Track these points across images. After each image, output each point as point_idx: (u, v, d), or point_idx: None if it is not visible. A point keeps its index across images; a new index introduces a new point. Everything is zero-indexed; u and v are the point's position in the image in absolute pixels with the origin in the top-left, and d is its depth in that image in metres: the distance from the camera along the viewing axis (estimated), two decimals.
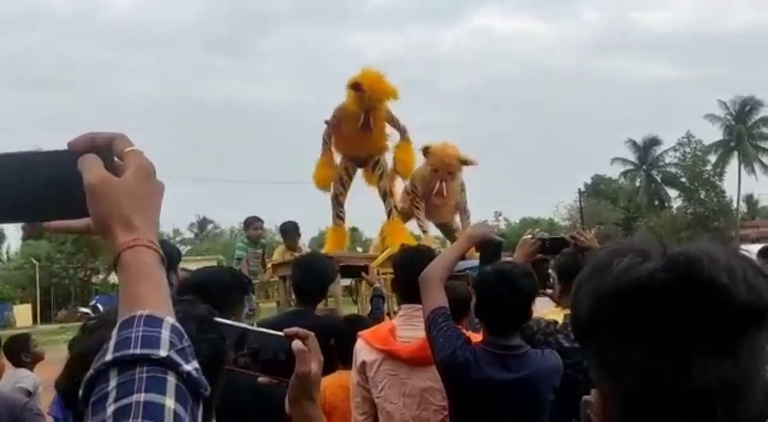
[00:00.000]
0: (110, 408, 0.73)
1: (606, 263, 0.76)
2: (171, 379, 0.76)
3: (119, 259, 0.85)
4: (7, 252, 57.56)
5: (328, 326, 3.87)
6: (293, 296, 4.83)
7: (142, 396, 0.73)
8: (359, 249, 10.29)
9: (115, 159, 0.90)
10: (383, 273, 5.39)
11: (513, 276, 2.60)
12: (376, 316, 4.30)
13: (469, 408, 2.66)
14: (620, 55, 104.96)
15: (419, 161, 6.70)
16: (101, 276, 42.80)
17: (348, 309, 5.92)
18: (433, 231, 7.35)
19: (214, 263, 9.76)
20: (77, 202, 0.89)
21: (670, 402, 0.72)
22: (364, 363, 3.05)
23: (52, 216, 0.95)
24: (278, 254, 7.14)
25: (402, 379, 2.95)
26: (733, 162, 51.49)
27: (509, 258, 3.20)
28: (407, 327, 2.99)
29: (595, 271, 0.77)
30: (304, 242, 9.69)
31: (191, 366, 0.78)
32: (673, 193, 54.44)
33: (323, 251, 6.63)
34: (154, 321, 0.79)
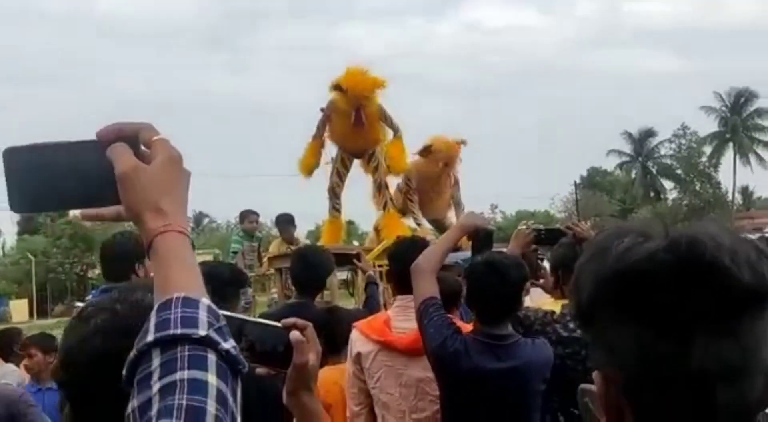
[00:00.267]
0: (155, 386, 0.76)
1: (606, 245, 0.76)
2: (211, 357, 0.79)
3: (152, 245, 0.88)
4: (3, 248, 57.52)
5: (331, 317, 3.94)
6: (290, 288, 4.85)
7: (185, 374, 0.76)
8: (355, 242, 10.28)
9: (142, 148, 0.93)
10: (379, 265, 5.38)
11: (503, 266, 2.61)
12: (371, 304, 4.30)
13: (460, 397, 2.67)
14: (615, 47, 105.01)
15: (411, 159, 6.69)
16: (97, 271, 42.74)
17: (344, 301, 5.91)
18: (428, 224, 7.34)
19: (210, 257, 9.77)
20: (108, 191, 0.92)
21: (671, 385, 0.72)
22: (359, 354, 3.05)
23: (84, 204, 0.97)
24: (275, 247, 7.12)
25: (398, 370, 2.95)
26: (729, 153, 51.70)
27: (503, 250, 3.20)
28: (402, 318, 2.99)
29: (595, 254, 0.77)
30: (301, 235, 9.68)
31: (229, 345, 0.81)
32: (668, 184, 54.65)
33: (319, 244, 6.62)
34: (190, 303, 0.83)
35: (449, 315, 2.86)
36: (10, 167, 0.94)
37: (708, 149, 52.25)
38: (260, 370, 1.36)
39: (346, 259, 5.24)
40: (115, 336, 1.03)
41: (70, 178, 0.94)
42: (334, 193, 6.71)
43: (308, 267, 3.92)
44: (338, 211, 6.74)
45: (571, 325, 2.88)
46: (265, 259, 7.01)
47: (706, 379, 0.70)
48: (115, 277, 3.35)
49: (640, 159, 55.49)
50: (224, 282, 2.68)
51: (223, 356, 0.81)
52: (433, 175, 6.52)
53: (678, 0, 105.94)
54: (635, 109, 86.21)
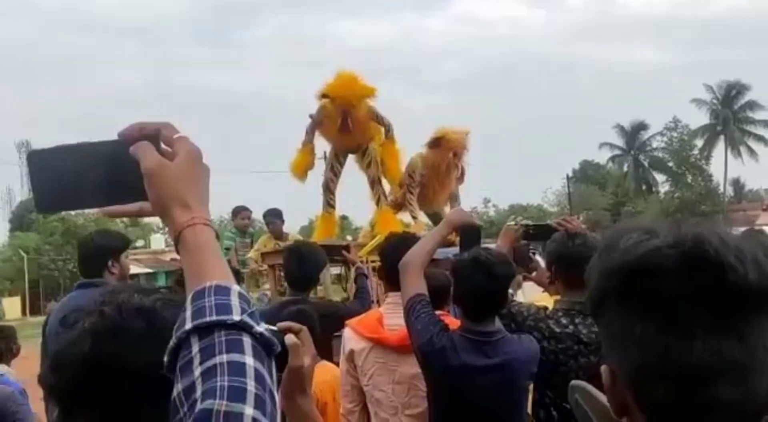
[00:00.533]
0: (197, 371, 0.80)
1: (613, 242, 0.77)
2: (247, 340, 0.84)
3: (180, 237, 0.93)
4: None
5: (327, 312, 3.90)
6: (284, 284, 4.84)
7: (224, 357, 0.80)
8: (349, 238, 10.25)
9: (162, 145, 0.97)
10: (372, 261, 5.37)
11: (489, 262, 2.61)
12: (362, 295, 4.30)
13: (447, 393, 2.68)
14: (607, 40, 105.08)
15: (410, 149, 6.66)
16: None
17: (338, 296, 5.90)
18: (424, 219, 7.30)
19: None
20: (130, 187, 0.96)
21: (672, 378, 0.72)
22: (352, 351, 3.06)
23: (108, 202, 1.00)
24: (262, 242, 7.08)
25: (390, 367, 2.96)
26: (720, 146, 51.88)
27: (492, 245, 3.20)
28: (395, 315, 2.99)
29: (604, 249, 0.78)
30: (294, 230, 9.63)
31: (262, 327, 0.86)
32: (660, 177, 54.79)
33: (312, 239, 6.60)
34: (222, 290, 0.87)
35: (440, 312, 2.86)
36: (35, 169, 0.98)
37: (699, 142, 52.43)
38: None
39: (334, 251, 5.25)
40: (104, 338, 1.03)
41: (94, 176, 0.98)
42: (328, 188, 6.69)
43: (301, 264, 3.94)
44: (332, 206, 6.71)
45: (564, 321, 2.88)
46: (251, 255, 6.97)
47: (708, 374, 0.71)
48: (88, 274, 3.39)
49: (632, 152, 55.61)
50: None
51: (258, 338, 0.85)
52: (442, 166, 6.48)
53: None
54: (627, 102, 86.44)
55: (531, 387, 3.09)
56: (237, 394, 0.78)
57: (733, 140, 51.20)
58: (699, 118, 53.09)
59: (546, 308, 3.00)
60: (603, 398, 1.61)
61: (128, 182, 0.96)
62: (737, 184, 58.51)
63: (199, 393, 0.78)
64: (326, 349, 3.66)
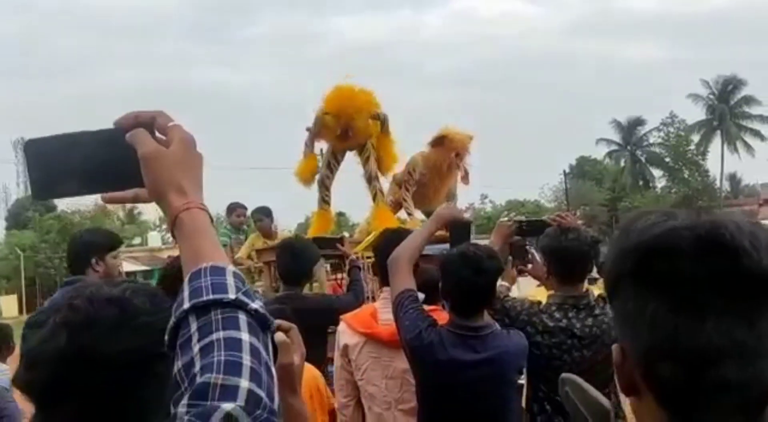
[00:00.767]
0: (196, 347, 0.83)
1: (630, 225, 0.78)
2: (242, 317, 0.87)
3: (176, 221, 0.96)
4: None
5: (322, 305, 3.99)
6: (279, 281, 4.83)
7: (221, 334, 0.84)
8: (346, 234, 10.25)
9: (157, 133, 1.00)
10: (367, 258, 5.37)
11: (477, 258, 2.62)
12: (356, 287, 4.31)
13: (436, 388, 2.69)
14: (603, 35, 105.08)
15: (407, 146, 6.64)
16: None
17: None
18: (420, 216, 7.28)
19: None
20: (126, 174, 0.99)
21: (681, 357, 0.73)
22: (346, 346, 3.06)
23: (104, 189, 1.03)
24: (251, 242, 7.04)
25: (384, 362, 2.96)
26: (716, 141, 51.91)
27: (486, 242, 3.21)
28: (389, 310, 2.99)
29: (622, 231, 0.79)
30: (291, 226, 9.61)
31: (257, 304, 0.89)
32: (657, 172, 54.85)
33: (307, 235, 6.59)
34: (218, 271, 0.90)
35: (434, 307, 2.87)
36: (32, 157, 1.00)
37: (696, 137, 52.48)
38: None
39: (328, 244, 5.25)
40: (79, 330, 1.04)
41: (90, 164, 1.00)
42: (324, 185, 6.67)
43: (293, 259, 3.98)
44: (327, 202, 6.68)
45: (557, 315, 2.89)
46: (240, 254, 6.95)
47: (716, 355, 0.71)
48: (74, 270, 3.39)
49: (629, 147, 55.63)
50: None
51: (253, 315, 0.88)
52: (444, 166, 6.46)
53: None
54: (624, 98, 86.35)
55: (525, 382, 3.10)
56: (233, 368, 0.81)
57: (729, 135, 51.24)
58: (695, 114, 53.22)
59: (539, 303, 3.01)
60: (593, 391, 1.61)
61: (124, 169, 0.99)
62: (734, 179, 58.64)
63: (198, 368, 0.82)
64: (322, 344, 3.67)
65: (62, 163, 1.00)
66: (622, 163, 55.35)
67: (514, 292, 3.91)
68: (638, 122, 55.64)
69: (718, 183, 52.18)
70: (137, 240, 44.99)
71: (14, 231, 47.03)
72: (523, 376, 3.12)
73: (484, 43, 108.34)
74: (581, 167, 54.99)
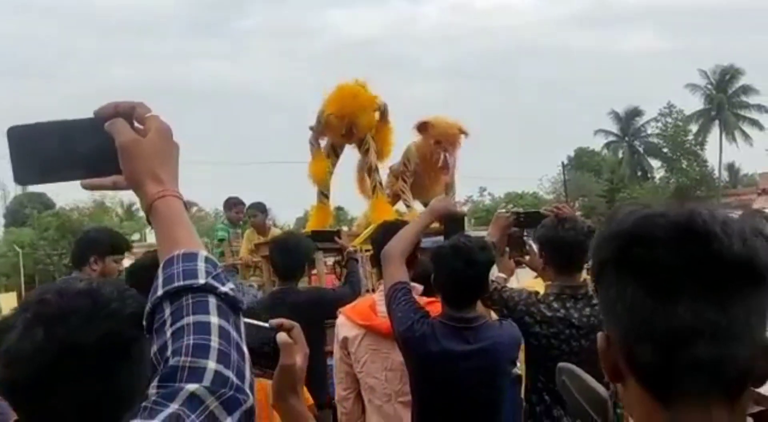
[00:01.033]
0: (168, 332, 0.88)
1: (615, 213, 0.82)
2: (212, 300, 0.91)
3: (152, 208, 1.00)
4: None
5: (318, 298, 4.07)
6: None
7: (191, 318, 0.89)
8: (344, 228, 10.25)
9: (135, 123, 1.04)
10: (366, 251, 5.38)
11: (469, 249, 2.63)
12: (353, 278, 4.36)
13: (429, 379, 2.70)
14: (600, 26, 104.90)
15: (404, 138, 6.61)
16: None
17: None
18: (419, 207, 7.25)
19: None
20: (105, 162, 1.02)
21: (657, 339, 0.76)
22: (345, 338, 3.07)
23: (84, 175, 1.06)
24: (247, 237, 7.05)
25: (383, 354, 2.97)
26: (715, 131, 51.85)
27: (484, 233, 3.21)
28: None
29: (606, 221, 0.83)
30: (290, 220, 9.60)
31: (227, 287, 0.93)
32: (655, 163, 54.78)
33: (306, 229, 6.59)
34: (190, 257, 0.95)
35: (432, 298, 2.87)
36: (14, 144, 1.03)
37: (694, 127, 52.40)
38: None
39: (326, 237, 5.28)
40: (54, 322, 1.05)
41: (71, 151, 1.03)
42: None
43: (287, 255, 4.05)
44: (326, 196, 6.69)
45: (555, 305, 2.90)
46: (242, 252, 6.96)
47: (689, 335, 0.75)
48: (74, 265, 3.42)
49: (627, 138, 55.59)
50: None
51: (223, 298, 0.92)
52: (428, 156, 6.40)
53: None
54: (622, 89, 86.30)
55: (522, 373, 3.11)
56: (201, 351, 0.86)
57: (727, 125, 51.20)
58: (693, 104, 53.10)
59: (537, 293, 3.01)
60: (590, 379, 1.62)
61: (104, 157, 1.02)
62: (732, 169, 58.56)
63: (170, 351, 0.87)
64: (319, 337, 3.69)
65: (44, 149, 1.03)
66: (620, 154, 55.31)
67: (513, 283, 3.92)
68: (636, 113, 55.58)
69: (716, 173, 52.15)
70: (136, 237, 44.90)
71: (13, 229, 46.98)
72: (520, 366, 3.13)
73: (480, 35, 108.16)
74: (579, 158, 54.94)
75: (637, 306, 0.77)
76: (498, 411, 2.73)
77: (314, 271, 5.70)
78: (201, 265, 0.94)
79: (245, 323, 1.34)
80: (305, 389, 3.68)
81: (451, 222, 3.12)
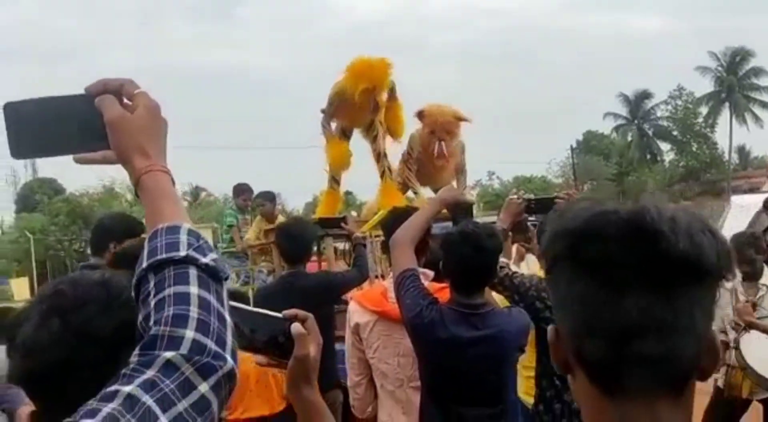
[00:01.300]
0: (152, 303, 0.92)
1: (567, 209, 0.83)
2: (192, 272, 0.95)
3: (139, 183, 1.03)
4: (1, 226, 57.33)
5: (326, 282, 4.17)
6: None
7: (172, 290, 0.92)
8: (354, 213, 10.23)
9: (125, 100, 1.06)
10: (375, 236, 5.39)
11: (477, 236, 2.63)
12: (360, 263, 4.41)
13: (437, 365, 2.72)
14: (609, 8, 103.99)
15: (411, 123, 6.56)
16: None
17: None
18: (426, 193, 7.22)
19: (209, 231, 9.74)
20: (96, 137, 1.05)
21: (604, 333, 0.77)
22: (357, 324, 3.09)
23: (76, 150, 1.08)
24: (256, 225, 7.09)
25: (396, 339, 2.99)
26: (725, 113, 51.44)
27: (493, 218, 3.23)
28: None
29: (557, 216, 0.84)
30: (299, 207, 9.63)
31: (208, 259, 0.97)
32: (665, 146, 54.45)
33: (315, 215, 6.59)
34: (173, 230, 0.98)
35: (443, 284, 2.88)
36: (9, 119, 1.06)
37: (704, 110, 52.01)
38: (261, 360, 1.35)
39: (333, 224, 5.32)
40: (69, 312, 1.06)
41: (63, 126, 1.07)
42: None
43: (291, 241, 4.18)
44: (337, 182, 6.67)
45: None
46: (249, 235, 6.98)
47: (635, 330, 0.76)
48: (94, 253, 3.46)
49: (636, 121, 55.22)
50: None
51: (204, 269, 0.96)
52: (426, 145, 6.37)
53: None
54: (631, 71, 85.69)
55: (533, 358, 3.12)
56: (179, 320, 0.90)
57: (738, 107, 50.76)
58: (703, 86, 52.66)
59: None
60: None
61: (94, 132, 1.05)
62: (742, 152, 58.11)
63: (152, 321, 0.91)
64: (327, 321, 3.73)
65: (38, 125, 1.07)
66: (630, 137, 54.95)
67: (523, 269, 3.93)
68: (645, 95, 55.17)
69: (726, 155, 51.81)
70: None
71: (24, 214, 47.22)
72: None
73: (488, 17, 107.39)
74: (588, 142, 54.65)
75: (588, 301, 0.78)
76: (504, 397, 2.75)
77: (324, 256, 5.73)
78: (183, 238, 0.97)
79: (259, 313, 1.36)
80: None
81: (459, 210, 3.14)
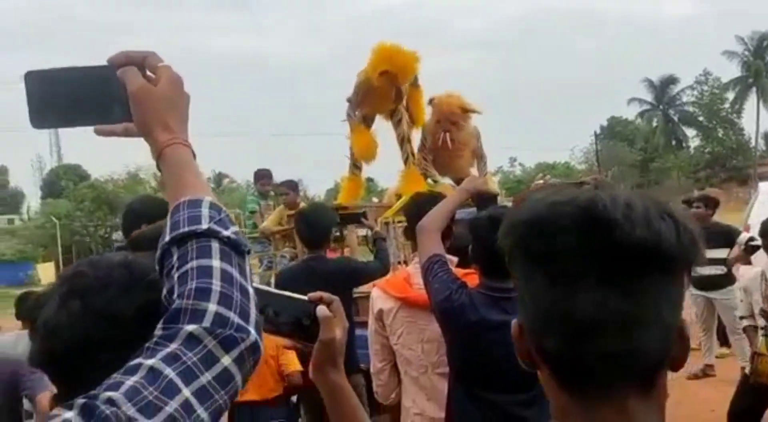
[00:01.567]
0: (175, 276, 0.93)
1: (524, 199, 0.81)
2: (215, 245, 0.95)
3: (161, 156, 1.02)
4: (28, 212, 58.21)
5: (348, 268, 4.24)
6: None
7: (194, 263, 0.93)
8: (375, 199, 10.22)
9: (147, 72, 1.05)
10: (398, 222, 5.37)
11: None
12: (382, 256, 4.48)
13: (467, 349, 2.69)
14: None
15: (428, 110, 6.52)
16: (121, 233, 43.28)
17: (366, 257, 5.91)
18: (446, 181, 7.18)
19: (231, 217, 9.82)
20: (118, 109, 1.04)
21: (560, 329, 0.74)
22: (381, 311, 3.08)
23: (97, 121, 1.07)
24: (278, 213, 7.12)
25: (420, 326, 2.97)
26: (752, 98, 50.76)
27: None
28: None
29: (514, 206, 0.81)
30: (320, 193, 9.67)
31: (230, 231, 0.97)
32: (690, 132, 53.93)
33: (337, 201, 6.59)
34: (195, 203, 0.98)
35: (469, 270, 2.86)
36: (31, 88, 1.05)
37: (731, 95, 51.41)
38: (286, 343, 1.34)
39: (352, 218, 5.37)
40: (90, 294, 1.05)
41: (85, 97, 1.05)
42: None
43: (309, 227, 4.26)
44: (358, 168, 6.66)
45: None
46: (266, 224, 7.01)
47: (592, 326, 0.72)
48: (126, 235, 3.48)
49: (661, 107, 54.65)
50: None
51: (225, 242, 0.96)
52: (433, 133, 6.33)
53: None
54: (656, 56, 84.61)
55: None
56: (202, 294, 0.90)
57: (765, 92, 49.99)
58: (730, 71, 51.97)
59: None
60: None
61: (116, 104, 1.04)
62: None
63: (176, 295, 0.91)
64: (348, 305, 3.75)
65: (59, 95, 1.05)
66: (655, 123, 54.44)
67: None
68: (671, 80, 54.57)
69: (753, 141, 51.11)
70: None
71: (49, 200, 47.91)
72: None
73: (512, 2, 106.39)
74: (612, 128, 54.19)
75: (540, 296, 0.75)
76: (534, 382, 2.72)
77: (346, 244, 5.74)
78: (205, 211, 0.97)
79: (283, 295, 1.34)
80: (294, 354, 3.81)
81: (484, 200, 3.14)
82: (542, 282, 0.74)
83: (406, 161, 6.40)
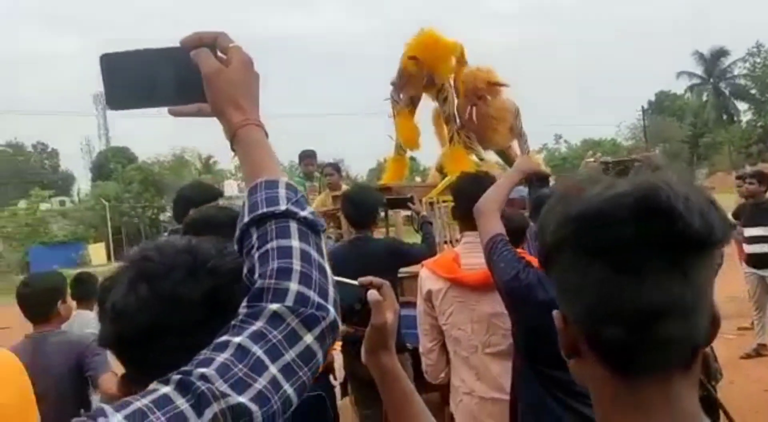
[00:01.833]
0: (255, 256, 0.96)
1: (571, 192, 0.81)
2: (293, 225, 0.97)
3: (235, 137, 1.05)
4: (78, 194, 59.65)
5: (395, 249, 4.30)
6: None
7: (275, 243, 0.95)
8: (418, 179, 10.18)
9: (218, 53, 1.08)
10: (443, 202, 5.35)
11: None
12: (428, 240, 4.52)
13: (535, 329, 2.66)
14: None
15: None
16: (168, 214, 44.13)
17: (411, 237, 5.92)
18: (492, 157, 7.12)
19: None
20: (191, 90, 1.07)
21: (625, 316, 0.76)
22: (430, 291, 3.08)
23: (171, 102, 1.09)
24: (322, 196, 7.16)
25: (469, 306, 2.97)
26: None
27: None
28: (471, 255, 2.99)
29: (563, 197, 0.82)
30: (363, 171, 9.69)
31: (306, 212, 0.99)
32: (742, 106, 52.38)
33: (382, 181, 6.59)
34: (272, 184, 1.00)
35: (520, 249, 2.84)
36: (107, 70, 1.07)
37: None
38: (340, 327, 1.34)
39: (399, 203, 5.38)
40: (157, 277, 1.06)
41: (158, 78, 1.08)
42: None
43: (354, 208, 4.33)
44: (403, 149, 6.65)
45: None
46: (317, 202, 7.06)
47: (658, 312, 0.75)
48: (179, 220, 3.55)
49: (711, 80, 53.18)
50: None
51: (303, 222, 0.98)
52: (462, 108, 6.28)
53: None
54: (706, 28, 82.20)
55: None
56: (284, 273, 0.93)
57: None
58: None
59: None
60: None
61: (189, 85, 1.06)
62: None
63: (257, 274, 0.94)
64: (394, 285, 3.76)
65: (133, 77, 1.08)
66: (705, 97, 53.04)
67: None
68: (722, 53, 52.98)
69: None
70: None
71: (99, 183, 48.99)
72: None
73: None
74: (660, 103, 53.04)
75: (603, 285, 0.77)
76: None
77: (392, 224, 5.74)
78: (282, 192, 0.99)
79: (335, 281, 1.35)
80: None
81: (537, 181, 3.11)
82: (605, 272, 0.76)
83: (451, 140, 6.36)
